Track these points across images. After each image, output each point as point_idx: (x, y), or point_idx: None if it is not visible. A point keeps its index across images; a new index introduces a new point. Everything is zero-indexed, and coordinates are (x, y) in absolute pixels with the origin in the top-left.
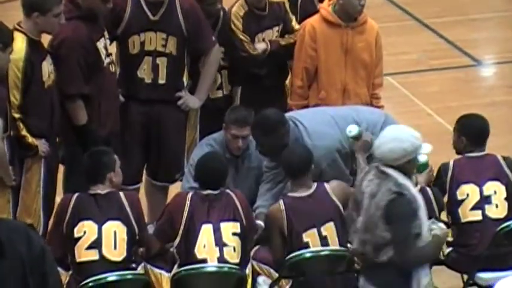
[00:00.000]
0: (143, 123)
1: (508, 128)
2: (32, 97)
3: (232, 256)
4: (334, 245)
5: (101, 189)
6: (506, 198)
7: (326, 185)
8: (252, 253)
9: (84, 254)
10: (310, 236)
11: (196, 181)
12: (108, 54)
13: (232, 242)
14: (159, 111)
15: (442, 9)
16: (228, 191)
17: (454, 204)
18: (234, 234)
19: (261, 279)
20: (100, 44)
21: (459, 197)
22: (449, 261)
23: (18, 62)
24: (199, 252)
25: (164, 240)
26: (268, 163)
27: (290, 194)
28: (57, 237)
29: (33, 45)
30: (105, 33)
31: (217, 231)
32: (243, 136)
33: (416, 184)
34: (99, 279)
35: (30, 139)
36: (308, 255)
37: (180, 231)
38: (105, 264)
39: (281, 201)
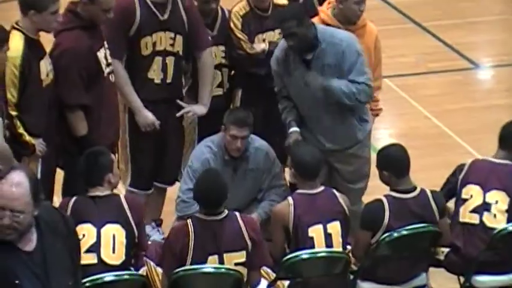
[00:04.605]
0: None
1: None
2: (29, 95)
3: None
4: (337, 244)
5: (100, 191)
6: (507, 210)
7: (334, 189)
8: None
9: (82, 258)
10: (315, 232)
11: (195, 201)
12: (109, 64)
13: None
14: (164, 112)
15: (440, 12)
16: (236, 214)
17: (458, 201)
18: (238, 264)
19: None
20: (100, 54)
21: (463, 196)
22: (447, 262)
23: (16, 60)
24: None
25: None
26: None
27: (299, 191)
28: None
29: (31, 43)
30: (105, 42)
31: (221, 263)
32: (242, 137)
33: None
34: (96, 279)
35: (27, 137)
36: (305, 256)
37: (188, 263)
38: (103, 268)
39: (290, 198)
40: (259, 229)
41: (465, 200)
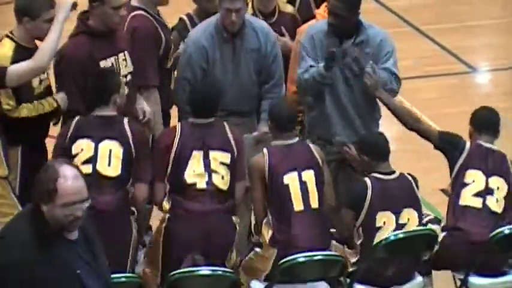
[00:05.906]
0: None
1: (503, 134)
2: (19, 103)
3: (220, 183)
4: (312, 192)
5: (105, 111)
6: (505, 197)
7: (308, 142)
8: (243, 262)
9: None
10: (290, 179)
11: (189, 107)
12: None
13: (221, 171)
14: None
15: (437, 16)
16: (223, 122)
17: (458, 184)
18: (223, 163)
19: (254, 283)
20: (106, 63)
21: (465, 180)
22: (444, 248)
23: None
24: (189, 176)
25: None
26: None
27: (274, 143)
28: (58, 152)
29: (23, 51)
30: (121, 54)
31: (206, 158)
32: (236, 10)
33: None
34: None
35: (24, 111)
36: (301, 259)
37: (171, 159)
38: (98, 179)
39: (265, 149)
40: (243, 142)
41: (467, 184)
